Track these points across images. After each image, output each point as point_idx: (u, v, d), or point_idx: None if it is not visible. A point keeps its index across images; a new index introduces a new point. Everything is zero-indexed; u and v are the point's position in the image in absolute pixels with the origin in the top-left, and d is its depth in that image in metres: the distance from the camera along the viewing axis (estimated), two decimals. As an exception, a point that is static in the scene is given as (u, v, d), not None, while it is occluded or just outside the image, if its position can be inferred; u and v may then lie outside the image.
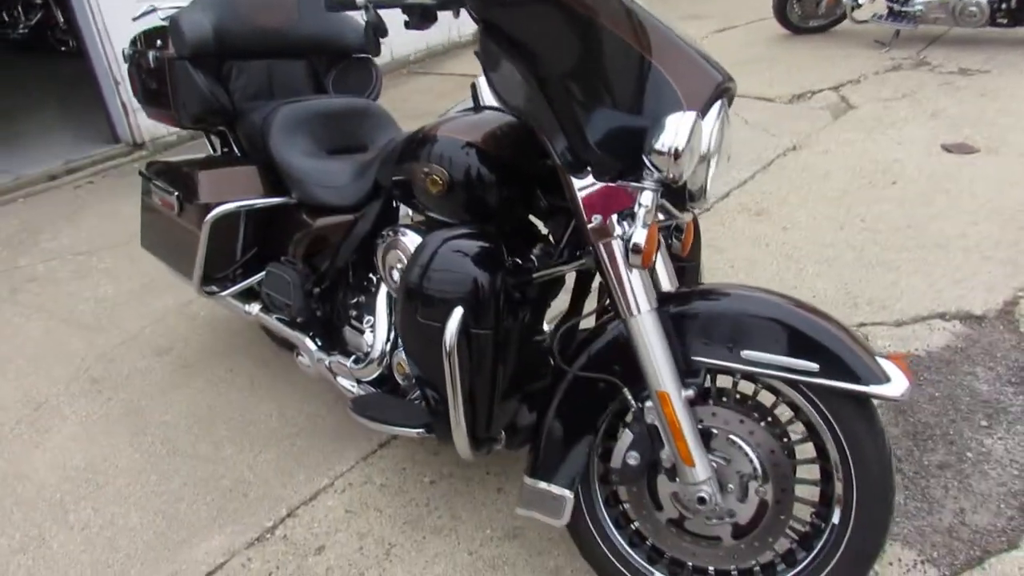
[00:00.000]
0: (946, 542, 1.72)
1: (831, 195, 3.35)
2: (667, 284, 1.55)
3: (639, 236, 1.29)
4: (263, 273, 2.22)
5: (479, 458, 1.65)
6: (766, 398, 1.47)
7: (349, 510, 1.99)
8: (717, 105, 1.36)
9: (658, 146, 1.26)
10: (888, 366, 1.34)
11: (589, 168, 1.36)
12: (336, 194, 2.01)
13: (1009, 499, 1.81)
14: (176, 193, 2.21)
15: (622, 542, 1.58)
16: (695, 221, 1.83)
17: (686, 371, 1.42)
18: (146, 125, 5.23)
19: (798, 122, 4.24)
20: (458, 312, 1.46)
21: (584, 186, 1.40)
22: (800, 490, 1.47)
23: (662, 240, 1.57)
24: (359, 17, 2.31)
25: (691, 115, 1.26)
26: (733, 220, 3.25)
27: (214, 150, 2.56)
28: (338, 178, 2.03)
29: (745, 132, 4.16)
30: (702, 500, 1.41)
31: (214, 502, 2.07)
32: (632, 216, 1.34)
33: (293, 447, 2.24)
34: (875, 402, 1.39)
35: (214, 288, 2.29)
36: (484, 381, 1.51)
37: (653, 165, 1.28)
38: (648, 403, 1.43)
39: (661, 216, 1.48)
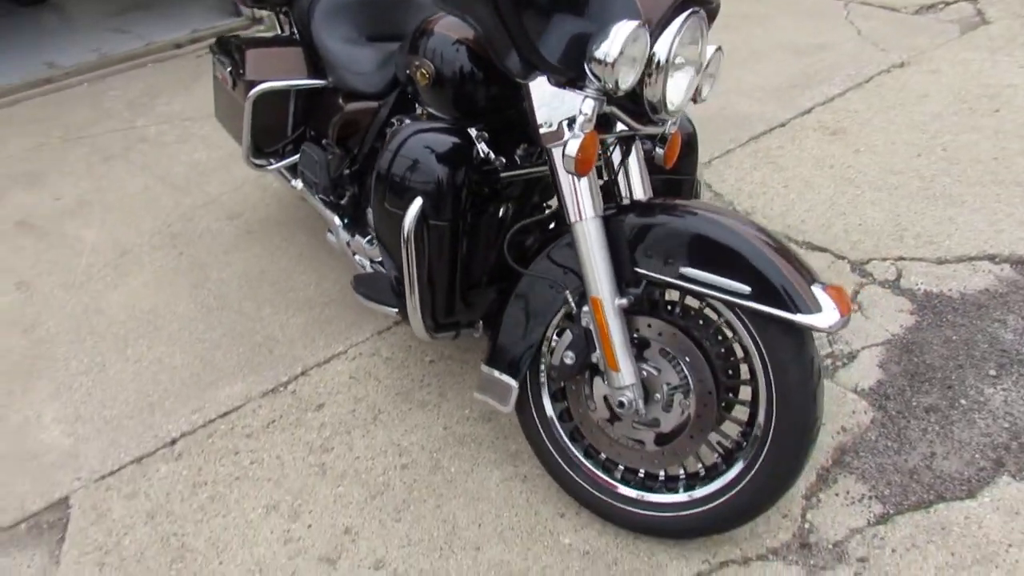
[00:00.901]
0: (903, 482, 1.71)
1: (920, 119, 3.11)
2: (639, 194, 1.57)
3: (572, 144, 1.32)
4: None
5: (438, 340, 1.77)
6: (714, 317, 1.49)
7: (353, 376, 2.18)
8: (683, 16, 1.33)
9: (596, 54, 1.27)
10: (822, 297, 1.33)
11: (537, 73, 1.38)
12: (363, 80, 2.10)
13: (987, 450, 1.75)
14: (229, 68, 2.37)
15: (563, 435, 1.67)
16: (687, 134, 1.80)
17: (629, 280, 1.46)
18: None
19: (917, 36, 3.88)
20: (417, 202, 1.54)
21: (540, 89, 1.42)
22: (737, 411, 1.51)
23: (637, 150, 1.57)
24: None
25: (631, 24, 1.25)
26: (805, 138, 3.09)
27: (281, 30, 2.69)
28: (367, 65, 2.11)
29: (852, 44, 3.86)
30: (621, 404, 1.47)
31: (244, 354, 2.32)
32: None
33: (321, 315, 2.45)
34: (814, 333, 1.39)
35: (261, 161, 2.47)
36: (441, 270, 1.61)
37: (592, 73, 1.29)
38: (585, 307, 1.49)
39: (624, 127, 1.49)
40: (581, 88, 1.34)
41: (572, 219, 1.44)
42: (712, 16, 1.46)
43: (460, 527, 1.71)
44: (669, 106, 1.41)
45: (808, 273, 1.36)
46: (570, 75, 1.35)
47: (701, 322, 1.49)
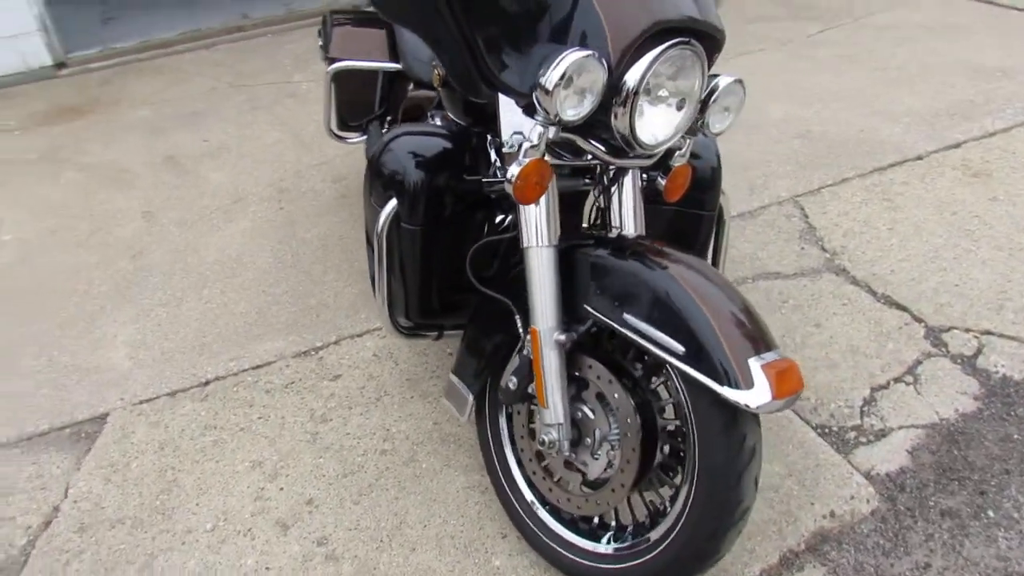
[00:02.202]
0: (877, 586, 1.52)
1: (1089, 172, 2.66)
2: (629, 227, 1.49)
3: (513, 169, 1.27)
4: (376, 130, 2.46)
5: (403, 340, 1.78)
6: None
7: (376, 355, 2.26)
8: (659, 49, 1.23)
9: (540, 80, 1.21)
10: (757, 373, 1.20)
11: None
12: (423, 69, 2.13)
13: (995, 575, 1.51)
14: (321, 43, 2.49)
15: (510, 456, 1.64)
16: (708, 168, 1.68)
17: (579, 316, 1.40)
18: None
19: None
20: (392, 203, 1.56)
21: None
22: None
23: (632, 180, 1.48)
24: None
25: (579, 54, 1.18)
26: (938, 176, 2.75)
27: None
28: (427, 53, 2.14)
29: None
30: (542, 442, 1.42)
31: (294, 314, 2.47)
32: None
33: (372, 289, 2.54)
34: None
35: (343, 133, 2.59)
36: (413, 272, 1.62)
37: (536, 100, 1.24)
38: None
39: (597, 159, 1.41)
40: (533, 114, 1.29)
41: (524, 243, 1.39)
42: (715, 49, 1.34)
43: (407, 524, 1.74)
44: (647, 140, 1.32)
45: (758, 344, 1.23)
46: (526, 99, 1.30)
47: (642, 375, 1.40)
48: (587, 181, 1.58)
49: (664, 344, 1.26)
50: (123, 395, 2.20)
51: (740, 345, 1.22)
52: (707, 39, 1.30)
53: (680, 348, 1.24)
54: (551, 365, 1.39)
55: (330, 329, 2.38)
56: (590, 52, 1.19)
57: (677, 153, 1.49)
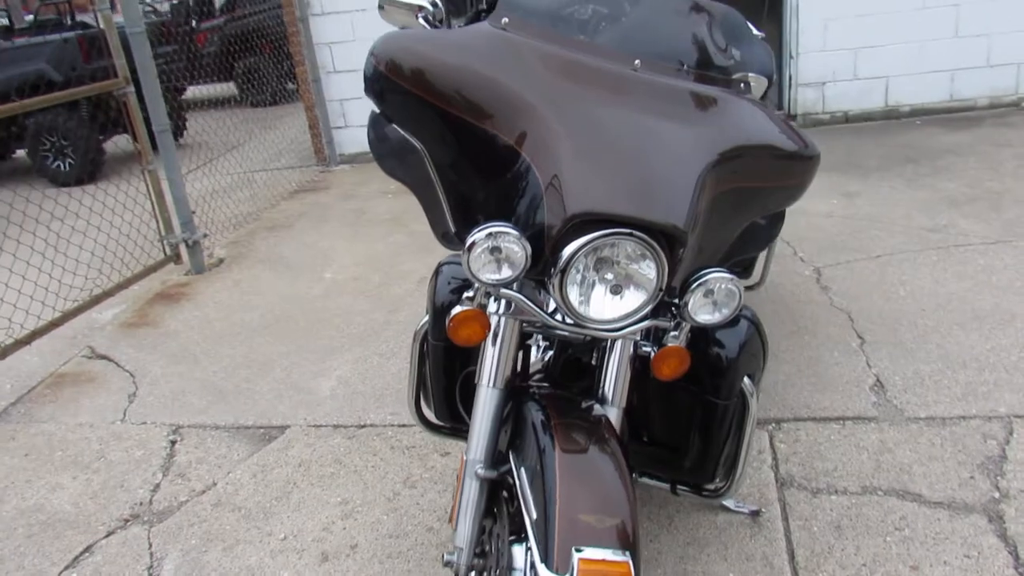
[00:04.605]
0: None
1: None
2: (609, 393, 1.55)
3: (452, 311, 1.45)
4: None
5: (432, 434, 1.97)
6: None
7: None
8: (588, 237, 1.30)
9: (465, 243, 1.39)
10: (576, 565, 1.21)
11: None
12: None
13: None
14: None
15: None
16: (711, 355, 1.62)
17: (502, 458, 1.51)
18: (803, 100, 5.56)
19: None
20: (425, 319, 1.81)
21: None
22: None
23: (618, 351, 1.53)
24: None
25: (494, 225, 1.32)
26: None
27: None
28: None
29: None
30: (446, 562, 1.53)
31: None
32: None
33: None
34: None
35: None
36: (433, 380, 1.84)
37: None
38: (468, 457, 1.57)
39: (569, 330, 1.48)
40: (480, 268, 1.46)
41: (476, 379, 1.55)
42: (678, 243, 1.35)
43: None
44: (595, 316, 1.38)
45: (596, 537, 1.23)
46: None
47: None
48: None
49: (528, 504, 1.32)
50: (307, 416, 2.77)
51: (573, 532, 1.23)
52: (665, 232, 1.33)
53: (535, 514, 1.30)
54: (468, 495, 1.51)
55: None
56: (507, 229, 1.32)
57: (670, 334, 1.50)
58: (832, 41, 5.33)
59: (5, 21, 7.66)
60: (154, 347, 3.42)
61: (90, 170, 6.42)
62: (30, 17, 8.17)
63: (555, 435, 1.38)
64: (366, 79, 1.48)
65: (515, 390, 1.57)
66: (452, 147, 1.48)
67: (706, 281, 1.38)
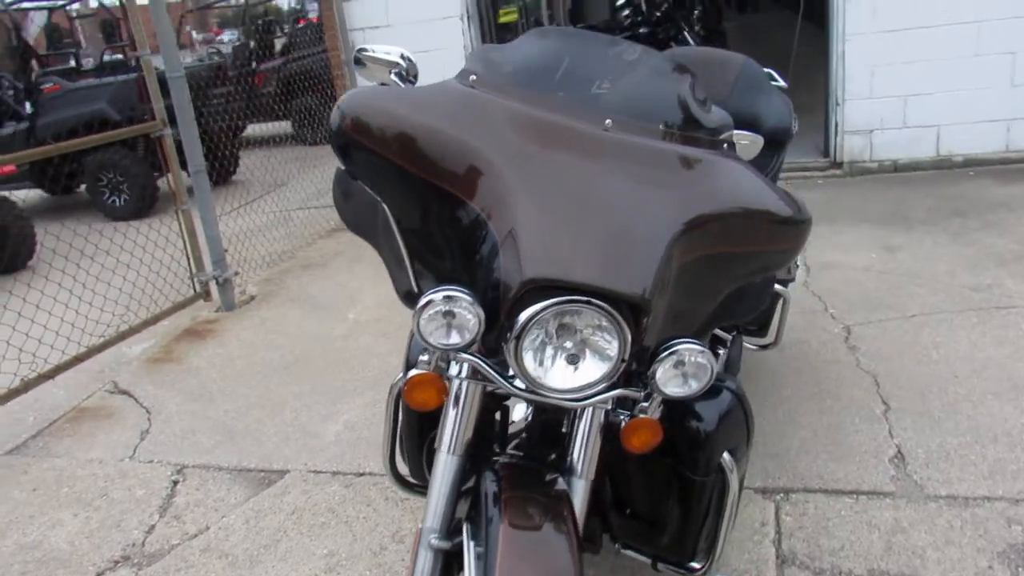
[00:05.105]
0: None
1: None
2: (577, 463, 1.48)
3: (409, 374, 1.41)
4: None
5: (403, 491, 1.91)
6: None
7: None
8: (541, 304, 1.25)
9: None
10: None
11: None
12: None
13: None
14: None
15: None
16: (688, 430, 1.53)
17: (459, 527, 1.45)
18: (850, 147, 5.41)
19: None
20: (400, 375, 1.77)
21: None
22: None
23: (586, 420, 1.46)
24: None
25: (445, 288, 1.28)
26: None
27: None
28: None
29: None
30: (397, 633, 1.47)
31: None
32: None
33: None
34: None
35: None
36: (407, 436, 1.79)
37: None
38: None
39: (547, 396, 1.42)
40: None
41: (435, 443, 1.50)
42: (642, 311, 1.28)
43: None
44: (553, 385, 1.32)
45: None
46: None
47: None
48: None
49: None
50: (309, 461, 2.75)
51: None
52: (627, 301, 1.27)
53: None
54: (421, 565, 1.44)
55: (471, 465, 2.62)
56: (459, 294, 1.28)
57: (640, 404, 1.43)
58: (880, 88, 5.18)
59: (72, 63, 8.07)
60: (174, 384, 3.47)
61: (144, 206, 6.63)
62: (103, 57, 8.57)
63: (504, 509, 1.32)
64: (330, 135, 1.47)
65: (477, 457, 1.51)
66: (415, 206, 1.45)
67: (676, 352, 1.32)
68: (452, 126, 1.40)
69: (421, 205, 1.44)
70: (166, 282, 4.27)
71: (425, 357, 1.39)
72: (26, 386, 3.18)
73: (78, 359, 3.39)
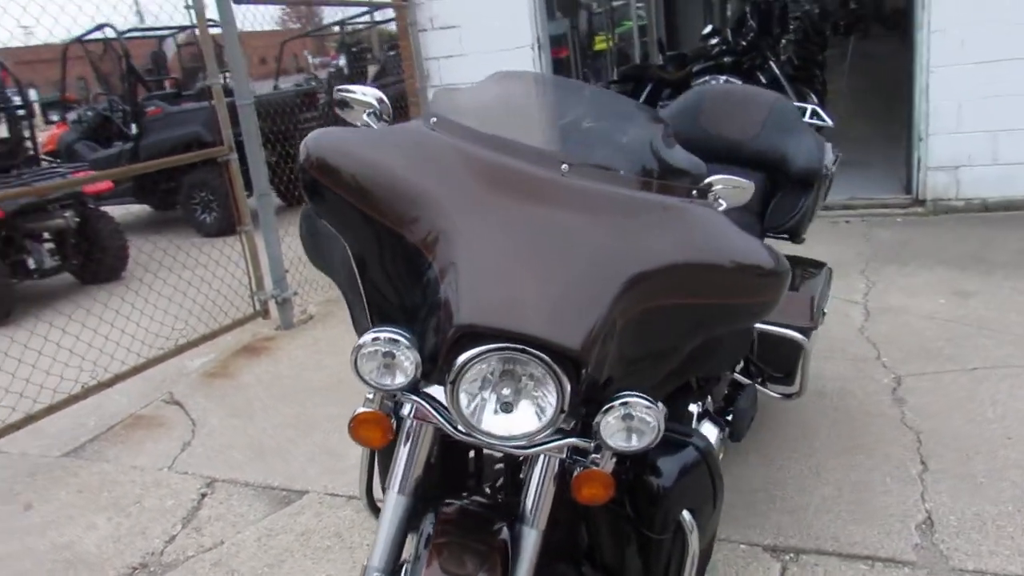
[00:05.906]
0: None
1: None
2: (528, 512, 1.45)
3: (355, 411, 1.42)
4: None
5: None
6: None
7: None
8: (473, 352, 1.24)
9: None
10: None
11: None
12: None
13: None
14: None
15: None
16: (650, 485, 1.47)
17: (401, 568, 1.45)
18: (934, 184, 5.12)
19: None
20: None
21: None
22: None
23: (538, 467, 1.44)
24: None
25: (382, 331, 1.29)
26: None
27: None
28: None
29: None
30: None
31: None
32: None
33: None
34: None
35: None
36: (381, 468, 1.79)
37: None
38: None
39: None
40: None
41: (384, 482, 1.50)
42: (580, 363, 1.25)
43: None
44: (483, 430, 1.31)
45: None
46: None
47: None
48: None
49: None
50: (328, 483, 2.81)
51: None
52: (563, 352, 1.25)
53: None
54: (364, 600, 1.46)
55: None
56: (395, 336, 1.29)
57: (592, 456, 1.40)
58: (967, 123, 4.89)
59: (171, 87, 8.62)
60: (223, 398, 3.62)
61: (231, 224, 6.97)
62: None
63: (430, 555, 1.32)
64: (297, 173, 1.51)
65: (430, 497, 1.51)
66: (372, 246, 1.47)
67: (624, 404, 1.28)
68: (407, 169, 1.41)
69: (378, 246, 1.46)
70: (232, 299, 4.47)
71: (371, 395, 1.40)
72: (85, 392, 3.39)
73: (137, 369, 3.59)
